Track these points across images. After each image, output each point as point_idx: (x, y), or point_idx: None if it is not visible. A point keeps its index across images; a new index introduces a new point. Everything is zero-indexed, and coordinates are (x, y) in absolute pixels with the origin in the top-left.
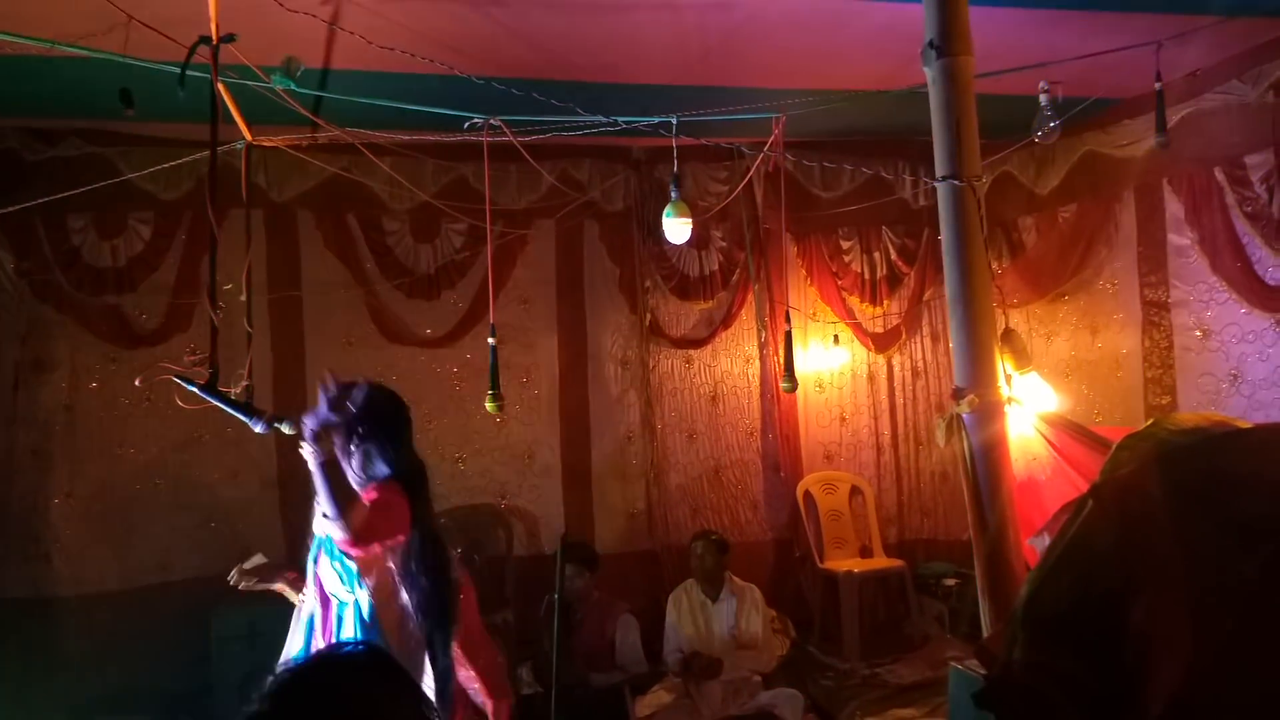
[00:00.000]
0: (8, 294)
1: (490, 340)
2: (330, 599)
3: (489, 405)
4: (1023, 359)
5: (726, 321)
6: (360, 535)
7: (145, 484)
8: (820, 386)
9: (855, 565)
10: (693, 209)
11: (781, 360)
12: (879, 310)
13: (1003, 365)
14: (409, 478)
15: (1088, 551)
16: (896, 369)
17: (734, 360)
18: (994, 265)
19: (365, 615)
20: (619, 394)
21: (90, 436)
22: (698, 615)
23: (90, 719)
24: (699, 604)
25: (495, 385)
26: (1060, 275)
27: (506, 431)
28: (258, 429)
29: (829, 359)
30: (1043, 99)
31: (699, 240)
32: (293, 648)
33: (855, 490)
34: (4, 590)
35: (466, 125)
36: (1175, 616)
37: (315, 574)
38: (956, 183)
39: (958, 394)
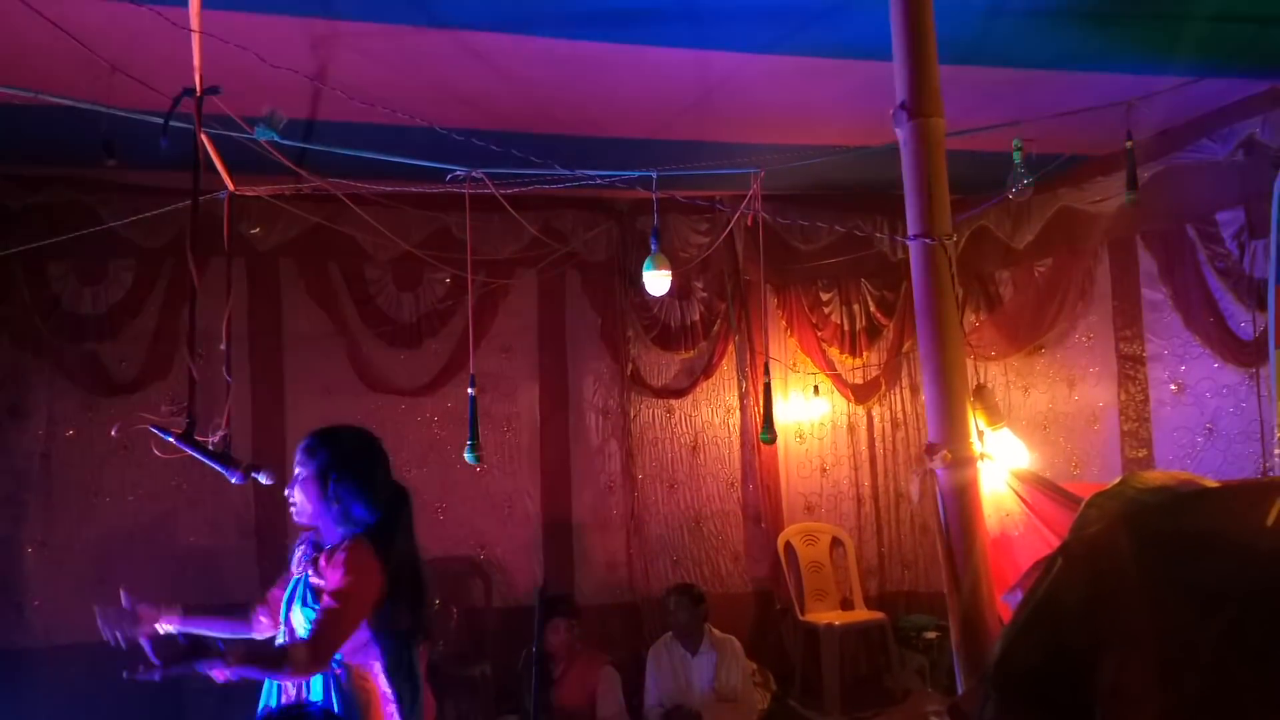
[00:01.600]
0: None
1: (470, 390)
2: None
3: (468, 456)
4: (995, 415)
5: (707, 372)
6: (316, 661)
7: (121, 533)
8: (801, 437)
9: (836, 617)
10: (674, 260)
11: (762, 411)
12: (859, 362)
13: (975, 421)
14: (384, 522)
15: (1057, 610)
16: (876, 420)
17: (715, 410)
18: (971, 318)
19: (334, 665)
20: (600, 443)
21: (66, 485)
22: (677, 669)
23: None
24: (679, 657)
25: (475, 436)
26: (1037, 328)
27: (487, 481)
28: (234, 480)
29: (809, 410)
30: (1017, 156)
31: (680, 291)
32: (265, 690)
33: (836, 542)
34: None
35: (449, 178)
36: (1143, 677)
37: (288, 617)
38: (928, 241)
39: (931, 449)
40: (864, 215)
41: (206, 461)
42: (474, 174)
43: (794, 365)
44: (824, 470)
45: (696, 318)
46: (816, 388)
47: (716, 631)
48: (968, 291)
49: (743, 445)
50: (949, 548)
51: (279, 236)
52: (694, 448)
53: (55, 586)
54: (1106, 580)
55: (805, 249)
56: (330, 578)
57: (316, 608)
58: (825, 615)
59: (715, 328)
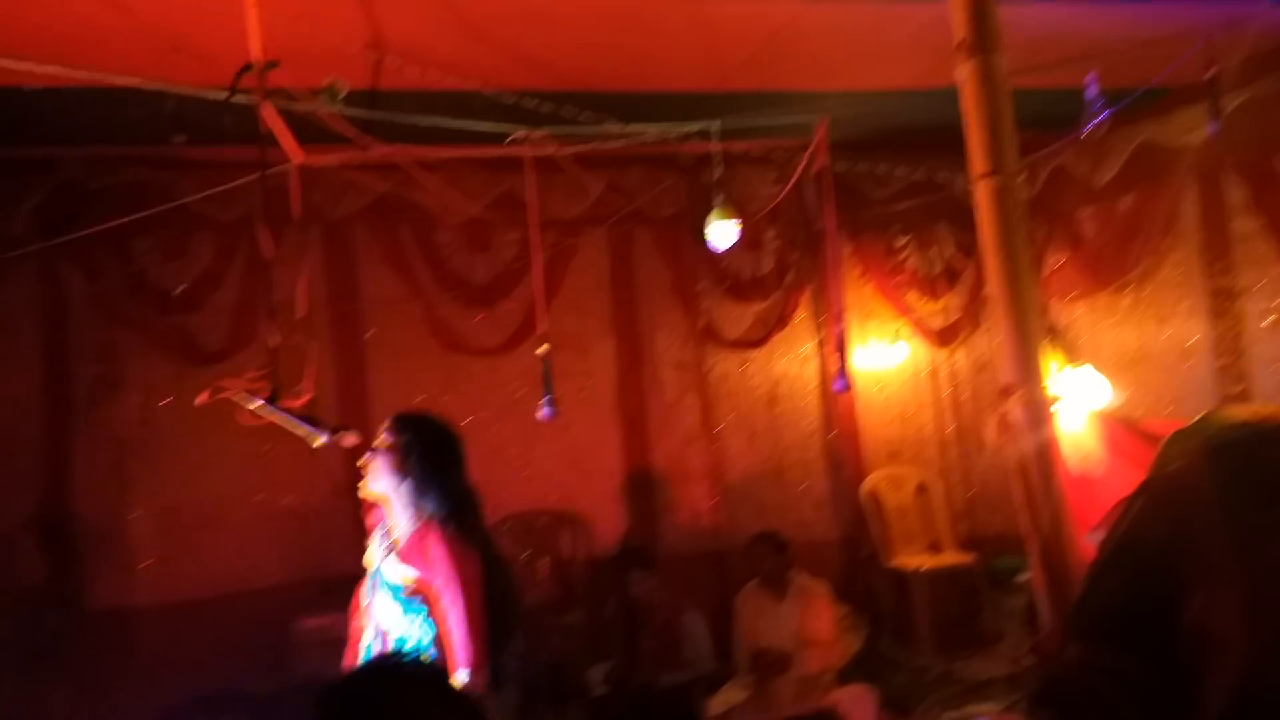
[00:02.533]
0: (79, 318)
1: (540, 350)
2: (386, 633)
3: (544, 413)
4: (1072, 354)
5: (782, 322)
6: (481, 665)
7: (221, 495)
8: (881, 384)
9: (924, 562)
10: (743, 212)
11: (837, 360)
12: (938, 306)
13: (1052, 361)
14: (459, 512)
15: (1138, 549)
16: (960, 364)
17: (791, 360)
18: (1052, 259)
19: (423, 648)
20: (677, 397)
21: (167, 451)
22: (764, 614)
23: None
24: (766, 603)
25: (549, 393)
26: (1122, 266)
27: (568, 436)
28: (318, 441)
29: (889, 356)
30: (1090, 92)
31: (751, 242)
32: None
33: (922, 487)
34: (93, 601)
35: (509, 140)
36: (1229, 616)
37: (371, 608)
38: (994, 180)
39: (1006, 392)
40: (938, 157)
41: (294, 424)
42: (534, 135)
43: (872, 313)
44: (906, 417)
45: (769, 269)
46: (896, 334)
47: (803, 577)
48: (1048, 232)
49: (821, 395)
50: (1027, 490)
51: (351, 205)
52: (772, 399)
53: (162, 548)
54: (1189, 518)
55: (878, 195)
56: (437, 573)
57: (404, 598)
58: (913, 560)
59: (788, 278)
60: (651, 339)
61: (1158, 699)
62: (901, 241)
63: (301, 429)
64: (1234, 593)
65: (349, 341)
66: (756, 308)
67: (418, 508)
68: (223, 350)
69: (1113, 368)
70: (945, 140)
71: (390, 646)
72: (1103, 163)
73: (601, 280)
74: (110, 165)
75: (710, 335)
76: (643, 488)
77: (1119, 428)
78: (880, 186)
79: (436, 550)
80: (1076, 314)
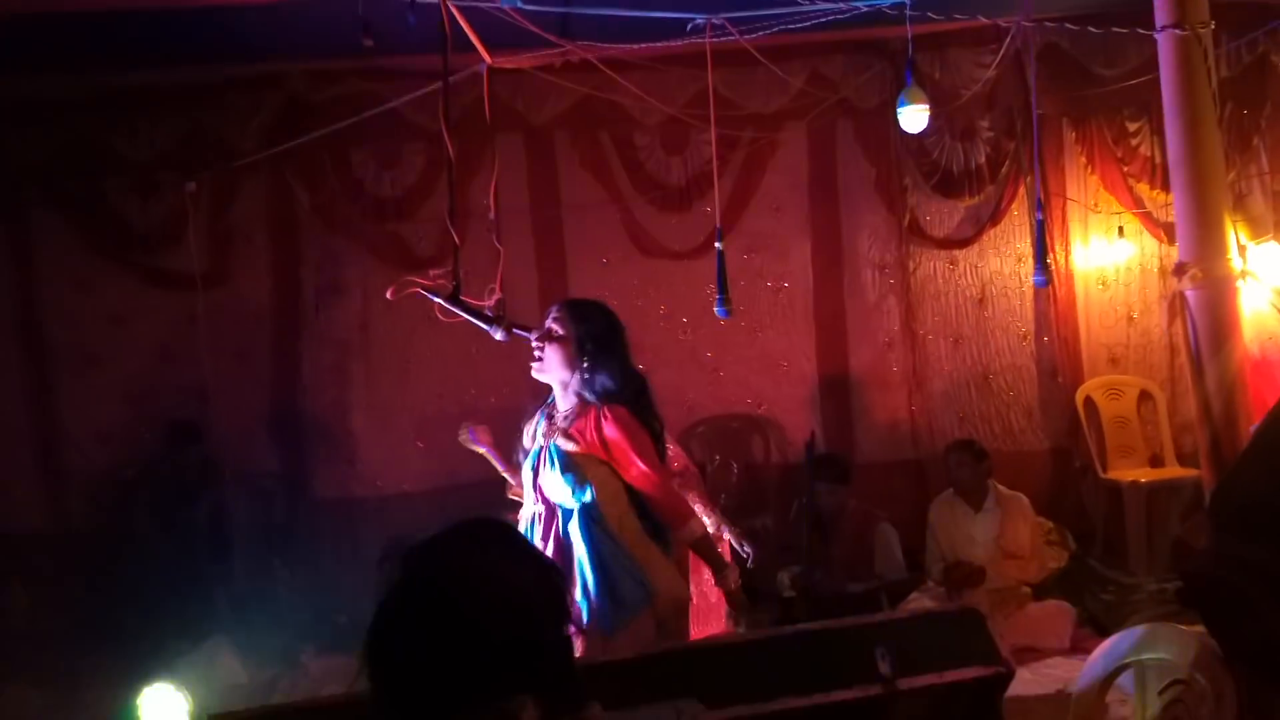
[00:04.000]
0: (305, 226)
1: (718, 245)
2: (555, 506)
3: (719, 310)
4: (1259, 227)
5: (995, 218)
6: (691, 521)
7: (431, 394)
8: (1103, 283)
9: (1143, 475)
10: (954, 97)
11: (1060, 259)
12: (1171, 197)
13: (1235, 235)
14: (633, 393)
15: None
16: None
17: (1004, 259)
18: None
19: (593, 516)
20: (877, 300)
21: (383, 352)
22: (960, 525)
23: None
24: (961, 514)
25: (724, 289)
26: None
27: (762, 341)
28: (498, 336)
29: (1113, 253)
30: None
31: (964, 131)
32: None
33: (1145, 395)
34: (317, 491)
35: (690, 27)
36: None
37: (535, 483)
38: (1178, 31)
39: (1179, 269)
40: None
41: (470, 319)
42: (714, 19)
43: (1095, 205)
44: (1131, 318)
45: (982, 160)
46: (1121, 229)
47: (1002, 488)
48: None
49: (1036, 296)
50: (1199, 375)
51: (552, 109)
52: (981, 300)
53: (380, 443)
54: None
55: (1108, 74)
56: (616, 452)
57: (565, 471)
58: (1131, 473)
59: (1003, 169)
60: (852, 239)
61: None
62: (1134, 126)
63: (478, 324)
64: None
65: (550, 244)
66: (967, 203)
67: (587, 392)
68: (434, 256)
69: None
70: None
71: (559, 519)
72: None
73: (799, 178)
74: (330, 78)
75: (915, 233)
76: (838, 394)
77: None
78: (1112, 64)
79: (609, 430)
80: None
